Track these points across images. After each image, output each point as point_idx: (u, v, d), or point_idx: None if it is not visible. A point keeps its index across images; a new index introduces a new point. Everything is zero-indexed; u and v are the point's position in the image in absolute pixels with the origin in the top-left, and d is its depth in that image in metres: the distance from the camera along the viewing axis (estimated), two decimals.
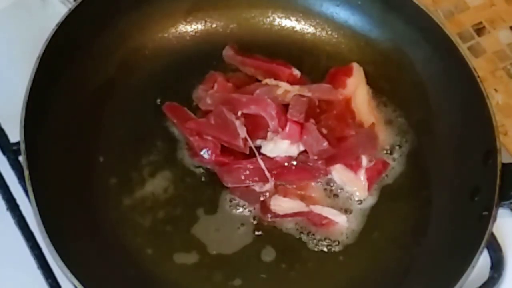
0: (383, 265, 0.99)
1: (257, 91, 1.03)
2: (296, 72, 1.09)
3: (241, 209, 1.01)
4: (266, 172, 1.00)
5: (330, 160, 1.01)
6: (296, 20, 1.17)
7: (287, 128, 1.00)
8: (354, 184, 1.01)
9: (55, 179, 0.96)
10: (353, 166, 1.02)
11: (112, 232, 0.99)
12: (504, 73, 1.21)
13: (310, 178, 1.01)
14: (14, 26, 1.18)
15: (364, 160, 1.02)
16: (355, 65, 1.11)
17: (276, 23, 1.17)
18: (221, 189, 1.02)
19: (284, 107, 1.02)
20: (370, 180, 1.02)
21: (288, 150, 1.01)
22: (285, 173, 1.02)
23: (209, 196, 1.02)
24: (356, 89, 1.08)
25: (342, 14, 1.15)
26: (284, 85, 1.04)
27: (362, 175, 1.01)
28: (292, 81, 1.07)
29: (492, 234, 0.98)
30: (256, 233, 1.00)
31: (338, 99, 1.06)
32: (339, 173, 1.02)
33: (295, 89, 1.04)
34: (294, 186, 1.02)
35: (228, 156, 1.02)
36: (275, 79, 1.07)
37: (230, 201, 1.02)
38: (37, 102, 0.95)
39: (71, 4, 1.03)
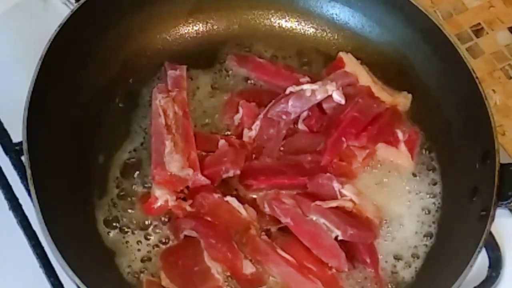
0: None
1: (290, 102, 1.04)
2: (299, 76, 1.10)
3: None
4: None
5: (373, 139, 1.05)
6: (297, 21, 1.18)
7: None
8: (398, 157, 1.06)
9: (57, 179, 0.97)
10: (393, 142, 1.06)
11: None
12: (502, 74, 1.21)
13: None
14: (16, 28, 1.19)
15: (400, 134, 1.07)
16: (342, 54, 1.12)
17: (276, 24, 1.18)
18: None
19: (317, 105, 1.06)
20: (411, 151, 1.07)
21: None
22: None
23: None
24: (355, 73, 1.10)
25: (343, 16, 1.16)
26: (307, 86, 1.05)
27: (402, 147, 1.06)
28: (296, 82, 1.08)
29: (491, 234, 0.99)
30: None
31: (355, 80, 1.09)
32: (383, 150, 1.06)
33: (319, 84, 1.05)
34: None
35: None
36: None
37: None
38: (39, 102, 0.96)
39: (73, 6, 1.04)
